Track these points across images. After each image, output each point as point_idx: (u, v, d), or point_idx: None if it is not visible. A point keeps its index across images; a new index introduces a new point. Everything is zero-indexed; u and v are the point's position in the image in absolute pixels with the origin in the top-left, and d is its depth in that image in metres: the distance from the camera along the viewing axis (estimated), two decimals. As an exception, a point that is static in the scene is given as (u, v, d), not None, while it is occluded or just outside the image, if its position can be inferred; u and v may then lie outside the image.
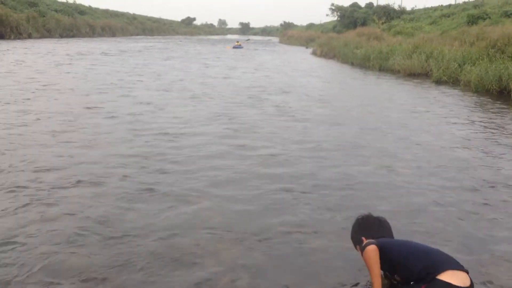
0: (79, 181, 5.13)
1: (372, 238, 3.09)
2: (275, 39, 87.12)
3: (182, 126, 8.19)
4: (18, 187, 4.89)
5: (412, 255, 2.91)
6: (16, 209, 4.34)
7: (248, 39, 51.18)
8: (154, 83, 14.44)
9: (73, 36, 53.05)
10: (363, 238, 3.15)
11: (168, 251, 3.65)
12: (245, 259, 3.56)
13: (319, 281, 3.31)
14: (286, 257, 3.63)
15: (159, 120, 8.65)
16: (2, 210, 4.31)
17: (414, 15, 44.23)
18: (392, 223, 3.42)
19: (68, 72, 16.41)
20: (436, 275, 2.75)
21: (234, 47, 43.48)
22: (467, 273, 2.82)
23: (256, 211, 4.51)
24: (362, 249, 2.99)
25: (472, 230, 4.19)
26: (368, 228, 3.21)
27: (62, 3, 65.80)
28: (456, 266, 2.83)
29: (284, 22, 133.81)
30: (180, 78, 16.02)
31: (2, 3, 44.30)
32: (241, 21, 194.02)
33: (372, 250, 2.91)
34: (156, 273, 3.33)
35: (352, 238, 3.31)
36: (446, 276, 2.73)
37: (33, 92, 11.47)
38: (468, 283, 2.76)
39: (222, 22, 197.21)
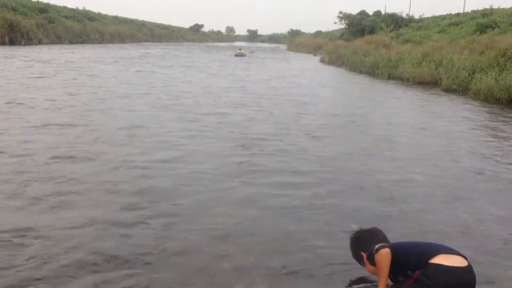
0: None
1: (370, 249, 3.14)
2: (282, 47, 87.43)
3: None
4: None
5: (408, 250, 3.01)
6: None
7: (253, 52, 49.56)
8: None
9: (82, 42, 53.47)
10: (362, 253, 3.20)
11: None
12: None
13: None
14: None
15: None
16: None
17: (422, 24, 44.20)
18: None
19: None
20: (429, 259, 2.83)
21: (236, 55, 42.08)
22: (464, 257, 2.87)
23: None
24: (375, 252, 3.00)
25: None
26: (364, 242, 3.25)
27: (72, 9, 66.38)
28: (449, 250, 2.91)
29: (292, 29, 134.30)
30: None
31: (12, 9, 44.78)
32: (249, 28, 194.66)
33: (386, 253, 2.96)
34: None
35: (354, 257, 3.35)
36: (439, 259, 2.81)
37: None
38: (464, 264, 2.81)
39: (230, 29, 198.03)
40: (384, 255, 2.95)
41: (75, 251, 3.66)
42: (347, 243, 3.45)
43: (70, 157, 6.27)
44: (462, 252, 2.95)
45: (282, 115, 10.42)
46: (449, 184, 5.79)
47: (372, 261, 3.07)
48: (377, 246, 3.04)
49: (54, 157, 6.19)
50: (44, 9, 53.51)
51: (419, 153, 7.41)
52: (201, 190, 5.19)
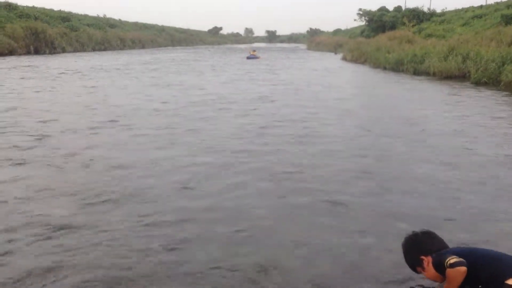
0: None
1: (431, 254, 2.98)
2: (302, 46, 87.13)
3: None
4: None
5: (479, 262, 2.79)
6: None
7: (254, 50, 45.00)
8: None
9: (104, 49, 54.18)
10: (423, 257, 3.01)
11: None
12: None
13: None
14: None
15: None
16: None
17: (444, 17, 43.48)
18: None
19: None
20: (505, 279, 2.63)
21: (248, 58, 37.86)
22: None
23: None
24: (449, 266, 2.79)
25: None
26: (423, 245, 3.07)
27: (94, 17, 67.43)
28: None
29: (311, 28, 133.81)
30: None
31: (36, 18, 45.63)
32: (268, 29, 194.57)
33: (462, 272, 2.75)
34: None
35: (410, 263, 3.14)
36: None
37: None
38: None
39: (249, 31, 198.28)
40: (461, 273, 2.75)
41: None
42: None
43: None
44: None
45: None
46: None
47: (439, 268, 2.89)
48: (452, 260, 2.81)
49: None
50: (67, 18, 54.41)
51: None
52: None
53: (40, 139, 7.68)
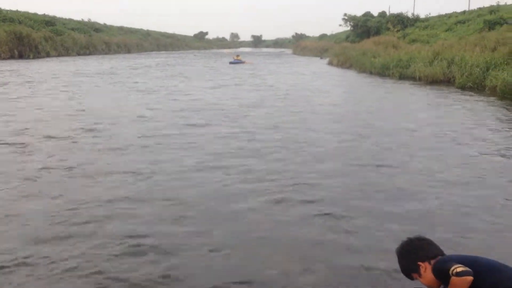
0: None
1: (428, 260, 2.95)
2: (288, 51, 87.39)
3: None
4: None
5: (483, 272, 2.75)
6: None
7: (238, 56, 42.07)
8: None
9: (89, 54, 53.74)
10: (420, 263, 2.96)
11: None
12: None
13: None
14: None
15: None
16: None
17: (428, 23, 44.06)
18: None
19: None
20: None
21: (231, 63, 36.36)
22: None
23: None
24: (455, 275, 2.73)
25: None
26: (420, 251, 3.02)
27: (78, 21, 66.92)
28: None
29: (296, 33, 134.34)
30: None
31: (20, 23, 45.11)
32: (253, 33, 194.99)
33: (468, 281, 2.71)
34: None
35: (405, 269, 3.08)
36: None
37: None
38: None
39: (234, 36, 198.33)
40: (467, 282, 2.70)
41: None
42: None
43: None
44: None
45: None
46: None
47: (440, 275, 2.85)
48: (459, 269, 2.74)
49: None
50: (51, 22, 53.91)
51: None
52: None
53: (15, 148, 7.36)
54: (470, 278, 2.69)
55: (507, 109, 11.69)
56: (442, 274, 2.83)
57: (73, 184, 5.61)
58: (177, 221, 4.50)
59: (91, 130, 8.89)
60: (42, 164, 6.41)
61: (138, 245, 3.96)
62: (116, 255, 3.78)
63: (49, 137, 8.19)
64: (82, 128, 9.01)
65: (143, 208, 4.81)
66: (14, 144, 7.63)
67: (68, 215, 4.60)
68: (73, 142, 7.89)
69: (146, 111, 11.37)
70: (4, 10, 47.69)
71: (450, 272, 2.73)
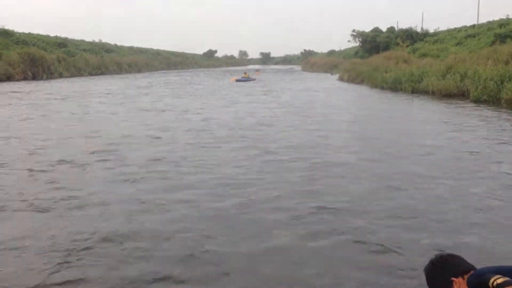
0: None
1: (461, 275, 2.92)
2: (297, 67, 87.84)
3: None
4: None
5: None
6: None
7: (258, 70, 42.02)
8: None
9: (101, 74, 54.32)
10: (454, 279, 2.83)
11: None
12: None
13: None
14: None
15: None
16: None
17: (438, 37, 44.09)
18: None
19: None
20: None
21: (237, 80, 35.21)
22: None
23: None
24: (497, 287, 2.60)
25: None
26: (454, 267, 2.89)
27: (90, 42, 67.82)
28: None
29: (305, 50, 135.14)
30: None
31: (33, 45, 45.87)
32: (262, 51, 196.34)
33: None
34: None
35: (437, 286, 2.95)
36: None
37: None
38: None
39: (243, 53, 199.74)
40: None
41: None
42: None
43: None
44: None
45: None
46: None
47: None
48: (500, 280, 2.65)
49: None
50: (63, 44, 54.74)
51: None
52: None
53: (21, 173, 7.03)
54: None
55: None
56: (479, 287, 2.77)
57: (80, 216, 5.20)
58: (193, 258, 4.11)
59: (102, 152, 8.52)
60: (47, 190, 6.09)
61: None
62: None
63: (58, 161, 7.82)
64: (93, 152, 8.57)
65: (161, 245, 4.40)
66: (20, 169, 7.28)
67: (72, 250, 4.23)
68: (82, 169, 7.40)
69: (159, 132, 10.97)
70: (17, 32, 48.53)
71: (490, 284, 2.62)
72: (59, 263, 3.96)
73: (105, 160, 7.91)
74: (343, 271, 3.82)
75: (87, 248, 4.26)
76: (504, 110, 13.82)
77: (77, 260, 4.04)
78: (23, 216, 5.19)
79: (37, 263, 3.99)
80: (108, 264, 3.97)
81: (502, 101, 14.86)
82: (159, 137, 10.22)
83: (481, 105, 15.14)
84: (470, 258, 3.07)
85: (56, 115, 14.51)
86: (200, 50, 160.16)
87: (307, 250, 4.24)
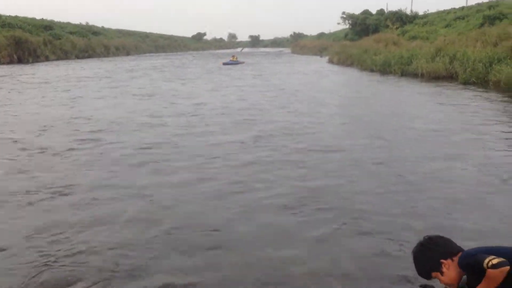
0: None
1: (450, 257, 2.91)
2: (286, 50, 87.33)
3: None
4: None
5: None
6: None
7: (242, 49, 40.16)
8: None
9: (88, 57, 53.61)
10: (443, 261, 2.92)
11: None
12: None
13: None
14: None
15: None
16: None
17: (427, 19, 44.06)
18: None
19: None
20: None
21: (224, 64, 34.60)
22: None
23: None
24: (491, 267, 2.67)
25: None
26: (443, 248, 2.97)
27: (76, 25, 66.80)
28: None
29: (294, 32, 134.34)
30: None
31: (19, 27, 45.05)
32: (251, 34, 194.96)
33: (505, 272, 2.65)
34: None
35: (426, 269, 3.02)
36: None
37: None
38: None
39: (232, 36, 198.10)
40: (503, 274, 2.65)
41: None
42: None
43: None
44: None
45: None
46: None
47: (470, 270, 2.81)
48: (495, 260, 2.69)
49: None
50: (50, 26, 53.87)
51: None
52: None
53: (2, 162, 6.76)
54: (507, 268, 2.63)
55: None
56: (473, 268, 2.78)
57: (65, 203, 5.05)
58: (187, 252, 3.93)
59: (89, 140, 8.25)
60: (28, 179, 5.88)
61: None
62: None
63: (41, 148, 7.54)
64: (80, 138, 8.33)
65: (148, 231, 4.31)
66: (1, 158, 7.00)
67: (53, 240, 4.09)
68: (68, 155, 7.19)
69: (149, 117, 10.74)
70: (3, 15, 47.63)
71: (485, 264, 2.67)
72: (41, 256, 3.82)
73: (92, 147, 7.65)
74: (336, 253, 3.86)
75: (67, 239, 4.09)
76: (492, 92, 13.91)
77: (58, 251, 3.88)
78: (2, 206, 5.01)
79: (17, 258, 3.81)
80: (92, 255, 3.83)
81: (490, 83, 14.95)
82: (148, 123, 9.97)
83: (470, 87, 15.22)
84: (459, 239, 3.13)
85: (41, 99, 14.18)
86: (189, 33, 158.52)
87: (300, 232, 4.26)
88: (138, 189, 5.51)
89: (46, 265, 3.66)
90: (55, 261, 3.71)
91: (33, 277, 3.48)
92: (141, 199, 5.18)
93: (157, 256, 3.80)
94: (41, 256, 3.80)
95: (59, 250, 3.91)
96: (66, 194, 5.34)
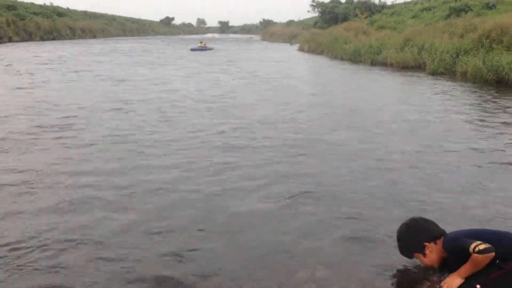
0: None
1: (434, 240, 3.05)
2: (256, 37, 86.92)
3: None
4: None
5: (495, 241, 2.83)
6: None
7: (214, 35, 39.46)
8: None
9: (53, 39, 52.09)
10: (426, 244, 3.07)
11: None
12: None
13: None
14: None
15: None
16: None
17: (394, 10, 44.65)
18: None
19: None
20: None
21: (193, 49, 34.03)
22: None
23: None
24: (477, 252, 2.76)
25: None
26: (427, 231, 3.11)
27: (40, 6, 64.64)
28: None
29: (264, 19, 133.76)
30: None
31: (-20, 7, 43.40)
32: (220, 19, 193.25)
33: (490, 257, 2.77)
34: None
35: (409, 249, 3.17)
36: None
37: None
38: None
39: (201, 21, 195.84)
40: (489, 259, 2.76)
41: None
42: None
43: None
44: None
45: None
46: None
47: (454, 254, 2.92)
48: (482, 246, 2.76)
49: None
50: (12, 6, 51.94)
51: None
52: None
53: None
54: (493, 254, 2.75)
55: (474, 92, 12.18)
56: (458, 252, 2.89)
57: (31, 195, 4.83)
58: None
59: (54, 127, 7.91)
60: None
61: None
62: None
63: (1, 138, 7.10)
64: (44, 126, 7.96)
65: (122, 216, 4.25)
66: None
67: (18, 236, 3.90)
68: (32, 143, 6.83)
69: (118, 104, 10.34)
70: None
71: (472, 249, 2.77)
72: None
73: (58, 137, 7.24)
74: (319, 239, 3.93)
75: (34, 237, 3.88)
76: (458, 82, 14.28)
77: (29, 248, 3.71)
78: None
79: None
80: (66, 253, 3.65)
81: (457, 73, 15.34)
82: (118, 109, 9.65)
83: (438, 77, 15.59)
84: (442, 223, 3.25)
85: (1, 83, 13.56)
86: (157, 17, 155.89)
87: (287, 219, 4.33)
88: (107, 176, 5.44)
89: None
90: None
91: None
92: (112, 187, 5.07)
93: (131, 244, 3.79)
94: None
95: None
96: (25, 182, 5.17)
